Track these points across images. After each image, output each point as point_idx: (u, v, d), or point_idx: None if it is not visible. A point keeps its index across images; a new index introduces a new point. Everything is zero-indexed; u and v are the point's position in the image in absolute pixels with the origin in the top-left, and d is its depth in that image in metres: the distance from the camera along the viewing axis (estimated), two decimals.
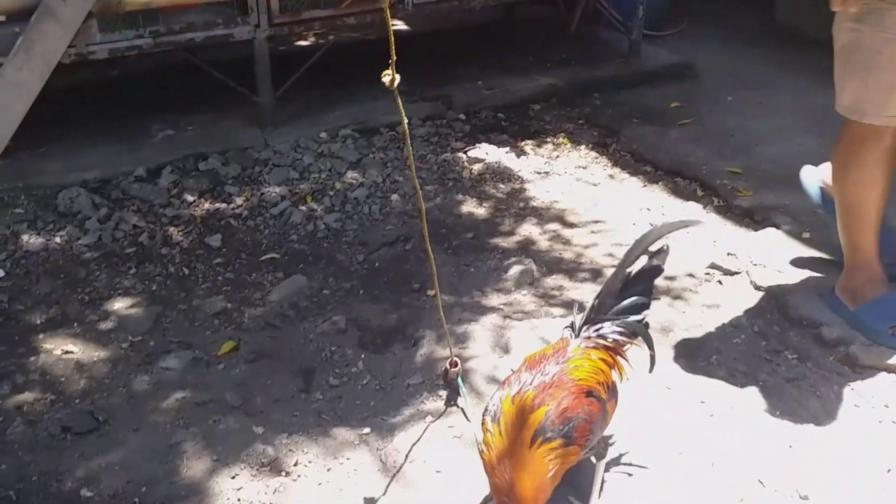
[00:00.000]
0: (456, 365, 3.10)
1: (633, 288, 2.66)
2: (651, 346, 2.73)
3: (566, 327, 2.69)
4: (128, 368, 3.35)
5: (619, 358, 2.64)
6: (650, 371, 2.76)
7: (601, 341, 2.60)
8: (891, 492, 2.70)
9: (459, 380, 2.86)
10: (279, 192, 4.65)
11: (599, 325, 2.62)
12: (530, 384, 2.39)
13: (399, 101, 2.57)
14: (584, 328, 2.62)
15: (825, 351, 3.38)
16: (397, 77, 2.43)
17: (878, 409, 3.06)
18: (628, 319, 2.64)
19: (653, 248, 2.69)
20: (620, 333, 2.63)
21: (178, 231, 4.34)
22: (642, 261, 2.69)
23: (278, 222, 4.47)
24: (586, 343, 2.58)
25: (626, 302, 2.65)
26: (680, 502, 2.68)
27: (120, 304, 3.77)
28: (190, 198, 4.58)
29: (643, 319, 2.68)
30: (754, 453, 2.89)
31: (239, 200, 4.61)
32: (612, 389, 2.60)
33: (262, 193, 4.65)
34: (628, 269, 2.65)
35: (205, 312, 3.73)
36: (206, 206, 4.56)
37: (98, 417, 3.03)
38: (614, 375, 2.62)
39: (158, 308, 3.74)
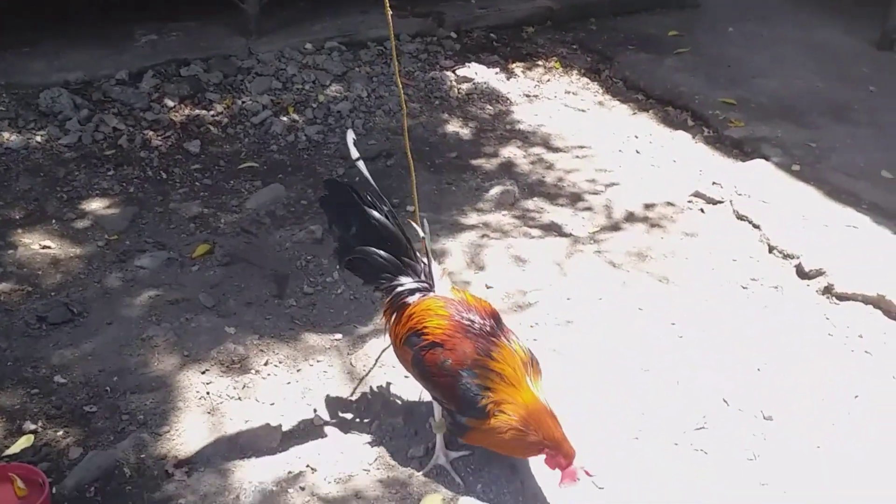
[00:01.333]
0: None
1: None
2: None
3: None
4: (103, 265, 3.32)
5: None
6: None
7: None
8: (857, 416, 2.74)
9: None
10: (261, 102, 4.55)
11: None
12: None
13: (389, 15, 2.48)
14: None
15: (803, 281, 3.39)
16: None
17: (852, 338, 3.08)
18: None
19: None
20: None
21: (158, 135, 4.26)
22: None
23: (258, 131, 4.39)
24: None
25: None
26: (642, 416, 2.71)
27: (97, 204, 3.72)
28: (170, 103, 4.47)
29: None
30: (721, 374, 2.91)
31: (219, 108, 4.51)
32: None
33: (244, 102, 4.55)
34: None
35: (181, 216, 3.69)
36: (187, 111, 4.47)
37: (73, 310, 3.02)
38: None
39: (135, 209, 3.69)
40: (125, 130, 4.24)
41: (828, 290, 3.32)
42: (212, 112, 4.46)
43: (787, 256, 3.52)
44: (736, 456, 2.60)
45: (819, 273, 3.39)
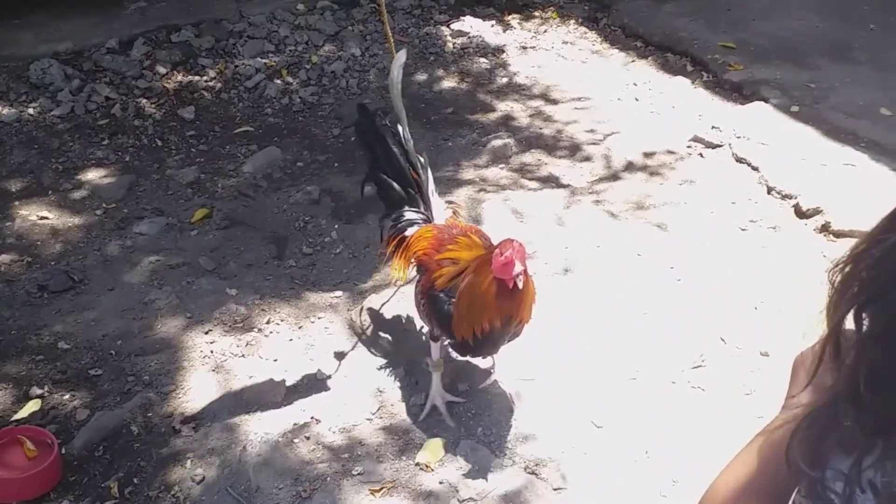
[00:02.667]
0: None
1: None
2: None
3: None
4: (102, 233, 3.34)
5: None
6: None
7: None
8: None
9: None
10: (253, 65, 4.52)
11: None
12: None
13: None
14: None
15: (801, 220, 3.38)
16: None
17: None
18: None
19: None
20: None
21: (151, 103, 4.24)
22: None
23: (252, 95, 4.37)
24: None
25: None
26: (640, 358, 2.73)
27: (93, 174, 3.73)
28: (162, 70, 4.45)
29: None
30: (718, 314, 2.93)
31: (212, 73, 4.48)
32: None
33: (237, 66, 4.53)
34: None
35: (178, 182, 3.69)
36: (179, 78, 4.44)
37: (74, 277, 3.05)
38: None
39: (131, 177, 3.70)
40: (118, 99, 4.23)
41: (825, 228, 3.31)
42: (205, 78, 4.44)
43: (785, 197, 3.51)
44: (732, 392, 2.63)
45: (816, 212, 3.38)
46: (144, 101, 4.24)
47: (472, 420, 2.49)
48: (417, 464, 2.34)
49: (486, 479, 2.31)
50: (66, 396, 2.58)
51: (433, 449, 2.39)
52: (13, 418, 2.49)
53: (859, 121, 3.93)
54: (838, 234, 3.25)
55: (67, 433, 2.44)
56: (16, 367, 2.68)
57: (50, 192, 3.61)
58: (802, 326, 2.81)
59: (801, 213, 3.41)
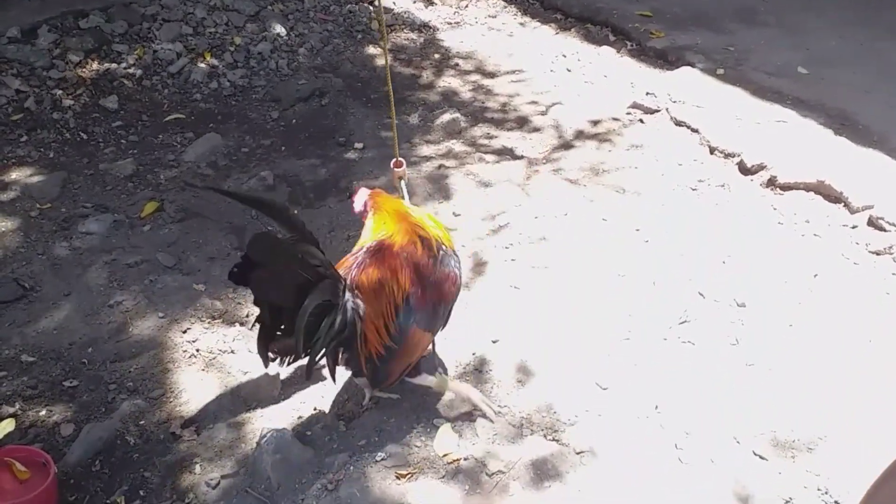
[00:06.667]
0: (401, 166, 2.64)
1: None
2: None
3: None
4: (42, 236, 3.06)
5: None
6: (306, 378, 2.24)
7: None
8: (819, 293, 2.93)
9: (403, 183, 2.68)
10: (174, 49, 4.26)
11: None
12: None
13: None
14: None
15: (747, 177, 3.55)
16: None
17: (800, 224, 3.27)
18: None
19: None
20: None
21: (68, 94, 3.92)
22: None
23: (177, 81, 4.13)
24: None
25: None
26: (629, 317, 2.80)
27: (18, 174, 3.41)
28: (75, 58, 4.12)
29: None
30: (691, 271, 3.04)
31: (130, 59, 4.19)
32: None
33: (156, 51, 4.25)
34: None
35: (115, 176, 3.44)
36: (95, 66, 4.13)
37: (24, 285, 2.79)
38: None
39: (62, 174, 3.41)
40: (30, 92, 3.88)
41: (771, 183, 3.50)
42: (123, 65, 4.15)
43: (728, 155, 3.68)
44: (720, 343, 2.74)
45: (760, 168, 3.56)
46: (60, 92, 3.92)
47: (483, 395, 2.47)
48: (441, 455, 2.30)
49: (511, 451, 2.31)
50: (43, 412, 2.37)
51: (447, 435, 2.35)
52: None
53: (781, 80, 4.17)
54: (785, 188, 3.45)
55: (56, 451, 2.24)
56: None
57: None
58: (768, 276, 3.00)
59: (745, 170, 3.58)
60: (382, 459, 2.26)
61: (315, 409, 2.44)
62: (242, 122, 3.88)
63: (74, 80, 3.98)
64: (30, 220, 3.14)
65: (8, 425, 2.30)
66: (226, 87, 4.11)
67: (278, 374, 2.53)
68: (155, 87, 4.07)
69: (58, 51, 4.11)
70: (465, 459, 2.28)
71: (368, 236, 2.26)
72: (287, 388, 2.51)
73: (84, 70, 4.07)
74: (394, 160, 2.58)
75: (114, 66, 4.13)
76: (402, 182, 2.59)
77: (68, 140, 3.65)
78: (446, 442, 2.34)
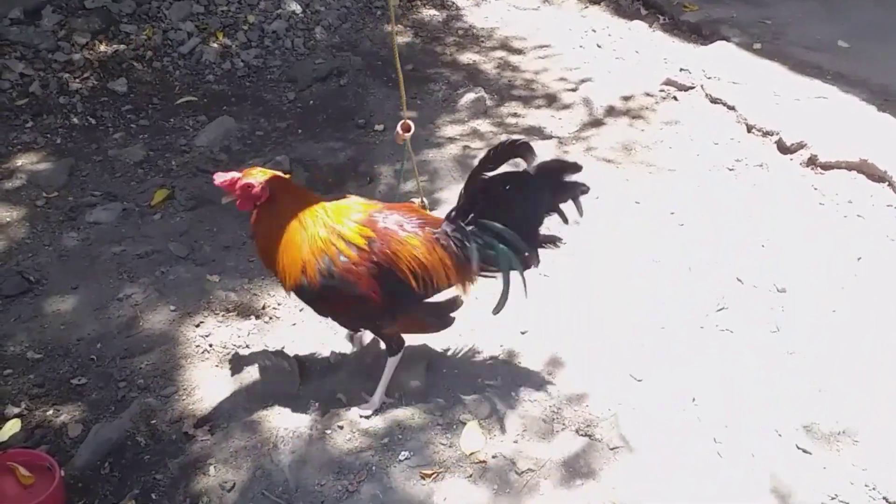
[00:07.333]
0: (409, 129, 2.48)
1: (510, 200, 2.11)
2: (505, 295, 2.18)
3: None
4: (49, 226, 2.95)
5: (462, 271, 2.15)
6: (495, 312, 2.19)
7: (455, 249, 2.12)
8: (863, 278, 2.76)
9: (408, 143, 2.40)
10: (184, 29, 4.11)
11: (464, 231, 2.13)
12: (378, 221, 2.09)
13: None
14: (452, 222, 2.15)
15: (786, 156, 3.37)
16: None
17: (843, 205, 3.09)
18: (494, 249, 2.13)
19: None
20: (480, 256, 2.12)
21: (75, 77, 3.79)
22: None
23: (189, 62, 3.98)
24: (443, 238, 2.12)
25: (497, 226, 2.13)
26: (663, 305, 2.65)
27: (24, 160, 3.29)
28: (81, 40, 3.98)
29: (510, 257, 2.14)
30: (728, 255, 2.87)
31: (139, 40, 4.05)
32: (411, 291, 2.10)
33: (165, 31, 4.11)
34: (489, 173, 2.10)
35: (124, 162, 3.32)
36: (103, 48, 3.99)
37: (29, 278, 2.67)
38: (444, 281, 2.13)
39: (69, 161, 3.29)
40: (35, 75, 3.76)
41: (811, 162, 3.31)
42: (132, 46, 4.01)
43: (766, 134, 3.49)
44: (759, 330, 2.58)
45: (800, 146, 3.37)
46: (66, 75, 3.79)
47: (511, 389, 2.33)
48: (468, 455, 2.16)
49: (541, 448, 2.17)
50: (50, 412, 2.25)
51: (473, 433, 2.21)
52: None
53: (820, 54, 3.97)
54: (826, 167, 3.26)
55: (63, 452, 2.13)
56: None
57: None
58: (810, 259, 2.83)
59: (784, 149, 3.39)
60: (406, 458, 2.13)
61: (335, 404, 2.31)
62: (257, 104, 3.74)
63: (81, 63, 3.86)
64: (36, 209, 3.03)
65: (13, 426, 2.19)
66: (239, 68, 3.97)
67: (296, 370, 2.40)
68: (165, 69, 3.93)
69: (63, 32, 3.98)
70: (494, 457, 2.15)
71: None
72: (306, 383, 2.38)
73: (91, 52, 3.94)
74: (401, 122, 2.40)
75: (122, 47, 3.99)
76: (407, 144, 2.43)
77: (76, 125, 3.52)
78: (473, 439, 2.20)
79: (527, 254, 2.17)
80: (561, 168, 2.11)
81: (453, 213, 2.16)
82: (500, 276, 2.17)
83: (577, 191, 2.12)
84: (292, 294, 2.10)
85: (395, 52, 2.43)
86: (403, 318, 2.20)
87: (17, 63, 3.80)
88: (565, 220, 2.18)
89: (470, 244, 2.11)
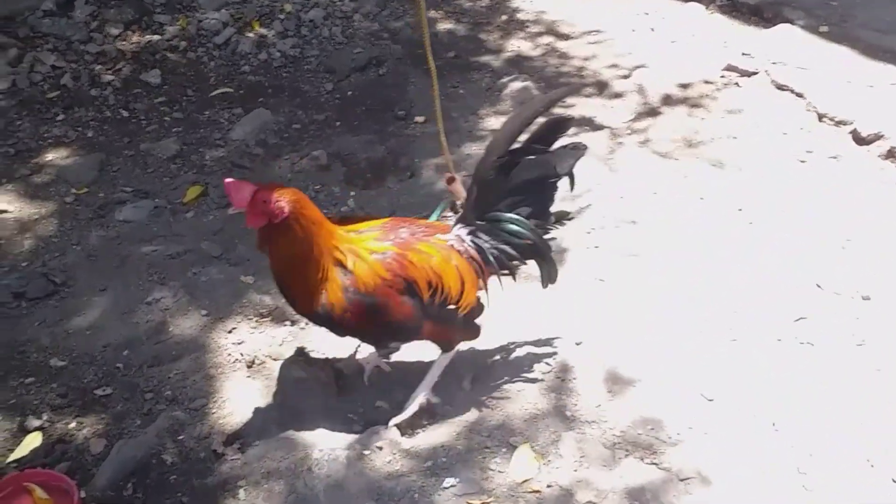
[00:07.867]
0: (453, 181, 2.50)
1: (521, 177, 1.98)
2: (551, 268, 2.08)
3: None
4: (78, 224, 2.82)
5: (481, 279, 2.03)
6: (544, 286, 2.10)
7: (473, 253, 1.99)
8: None
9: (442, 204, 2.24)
10: (219, 19, 3.96)
11: (481, 231, 2.01)
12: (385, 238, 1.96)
13: None
14: (463, 225, 2.02)
15: (862, 147, 3.09)
16: None
17: None
18: (519, 238, 2.00)
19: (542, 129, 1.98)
20: (501, 252, 2.00)
21: (107, 69, 3.67)
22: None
23: (224, 52, 3.83)
24: (458, 244, 1.99)
25: (514, 211, 2.01)
26: (735, 314, 2.41)
27: (53, 155, 3.17)
28: (114, 31, 3.86)
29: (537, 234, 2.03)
30: (806, 258, 2.62)
31: (173, 30, 3.91)
32: (436, 301, 1.96)
33: (200, 21, 3.96)
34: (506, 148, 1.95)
35: (157, 157, 3.18)
36: (136, 39, 3.86)
37: (54, 280, 2.54)
38: (459, 290, 1.98)
39: (100, 156, 3.16)
40: (67, 67, 3.64)
41: (891, 154, 3.04)
42: (165, 36, 3.87)
43: (839, 123, 3.21)
44: (843, 343, 2.34)
45: (877, 137, 3.10)
46: (99, 67, 3.66)
47: (566, 409, 2.12)
48: (520, 483, 1.96)
49: (602, 477, 1.96)
50: (73, 425, 2.12)
51: (525, 458, 2.01)
52: (10, 459, 2.02)
53: (892, 37, 3.66)
54: None
55: (84, 471, 1.99)
56: (2, 395, 2.19)
57: (4, 180, 3.05)
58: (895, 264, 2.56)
59: (860, 140, 3.12)
60: (451, 486, 1.94)
61: (374, 413, 2.13)
62: (294, 95, 3.57)
63: (114, 54, 3.73)
64: (65, 206, 2.90)
65: (34, 440, 2.06)
66: (276, 58, 3.80)
67: (332, 380, 2.23)
68: (201, 60, 3.79)
69: (95, 23, 3.86)
70: (549, 487, 1.95)
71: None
72: (346, 395, 2.21)
73: (124, 43, 3.81)
74: (447, 174, 2.32)
75: (156, 37, 3.86)
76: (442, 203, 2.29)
77: (108, 118, 3.40)
78: (525, 465, 2.00)
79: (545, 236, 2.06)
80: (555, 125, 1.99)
81: (465, 214, 2.04)
82: (518, 273, 2.09)
83: (577, 155, 2.02)
84: (316, 315, 1.92)
85: (432, 66, 2.25)
86: (432, 327, 2.02)
87: (48, 55, 3.69)
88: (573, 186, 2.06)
89: (487, 243, 2.01)
